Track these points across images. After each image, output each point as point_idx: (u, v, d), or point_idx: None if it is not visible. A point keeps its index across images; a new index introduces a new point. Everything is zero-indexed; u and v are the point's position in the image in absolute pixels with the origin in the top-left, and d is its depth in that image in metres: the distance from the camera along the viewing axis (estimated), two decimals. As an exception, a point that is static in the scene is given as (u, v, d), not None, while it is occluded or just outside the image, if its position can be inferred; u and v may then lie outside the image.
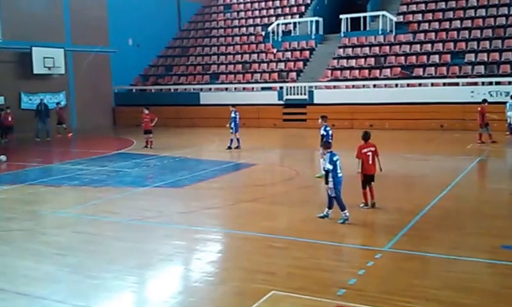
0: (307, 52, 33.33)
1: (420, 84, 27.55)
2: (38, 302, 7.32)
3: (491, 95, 25.23)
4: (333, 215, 10.80)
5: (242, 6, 41.24)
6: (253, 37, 36.98)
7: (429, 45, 29.82)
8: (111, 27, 34.77)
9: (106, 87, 35.14)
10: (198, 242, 9.89)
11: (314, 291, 7.16)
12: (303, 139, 24.90)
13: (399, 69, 29.07)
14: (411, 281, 7.52)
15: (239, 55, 35.63)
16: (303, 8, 37.67)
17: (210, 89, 33.55)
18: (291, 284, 7.51)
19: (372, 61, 30.42)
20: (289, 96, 30.22)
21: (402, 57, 29.78)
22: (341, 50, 32.11)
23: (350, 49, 31.89)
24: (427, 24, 31.55)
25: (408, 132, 25.37)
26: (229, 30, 39.09)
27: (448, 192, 12.95)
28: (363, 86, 29.00)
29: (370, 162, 11.43)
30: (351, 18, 33.34)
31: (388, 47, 30.94)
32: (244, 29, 38.44)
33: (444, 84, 27.18)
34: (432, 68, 28.47)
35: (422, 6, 33.07)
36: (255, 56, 34.96)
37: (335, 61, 31.48)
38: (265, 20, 37.94)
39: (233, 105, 21.88)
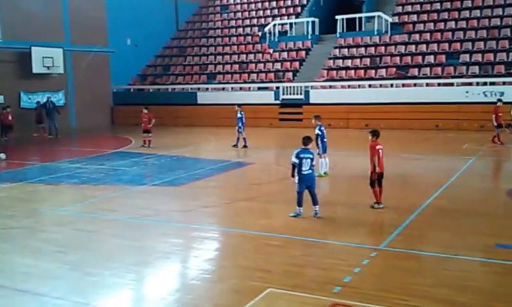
0: (303, 52, 33.53)
1: (415, 84, 27.75)
2: (38, 299, 7.37)
3: (485, 95, 25.56)
4: (326, 214, 10.92)
5: (239, 6, 41.42)
6: (249, 37, 37.16)
7: (424, 46, 30.04)
8: (109, 27, 34.86)
9: (105, 87, 35.27)
10: (195, 240, 9.97)
11: (310, 289, 7.24)
12: (299, 138, 24.71)
13: (394, 69, 29.28)
14: (406, 279, 7.60)
15: (236, 56, 35.79)
16: (299, 9, 37.88)
17: (207, 88, 33.71)
18: (287, 281, 7.57)
19: (367, 61, 30.61)
20: (285, 96, 30.39)
21: (398, 58, 29.98)
22: (337, 50, 32.31)
23: (346, 49, 32.10)
24: (422, 25, 31.80)
25: (403, 132, 25.48)
26: (226, 30, 39.25)
27: (443, 192, 13.04)
28: (359, 86, 29.18)
29: (381, 159, 11.49)
30: (347, 19, 33.55)
31: (383, 48, 31.16)
32: (241, 29, 38.62)
33: (439, 84, 27.37)
34: (427, 68, 28.68)
35: (417, 7, 33.32)
36: (251, 56, 35.11)
37: (331, 61, 31.68)
38: (262, 21, 38.12)
39: (238, 105, 22.06)
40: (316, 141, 14.45)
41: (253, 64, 34.32)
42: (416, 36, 30.99)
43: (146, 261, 8.78)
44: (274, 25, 35.72)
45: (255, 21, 38.82)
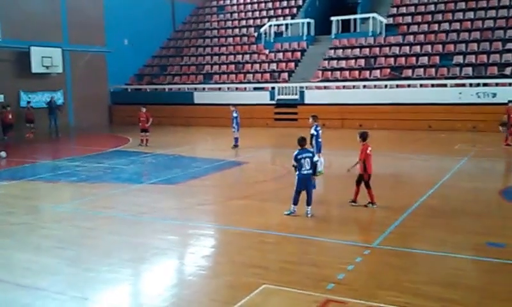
0: (298, 53, 33.74)
1: (408, 85, 27.94)
2: (38, 293, 7.47)
3: (478, 96, 25.79)
4: (320, 212, 11.06)
5: (235, 7, 41.62)
6: (245, 38, 37.36)
7: (418, 47, 30.28)
8: (107, 27, 35.05)
9: (102, 86, 35.46)
10: (191, 237, 10.10)
11: (304, 285, 7.31)
12: (293, 138, 24.71)
13: (389, 70, 29.50)
14: (398, 277, 7.68)
15: (232, 56, 35.99)
16: (294, 10, 38.09)
17: (203, 88, 33.91)
18: (282, 278, 7.66)
19: (362, 62, 30.86)
20: (281, 96, 30.62)
21: (392, 59, 30.22)
22: (332, 51, 32.54)
23: (340, 50, 32.34)
24: (416, 26, 32.05)
25: (397, 132, 25.69)
26: (222, 31, 39.44)
27: (435, 191, 13.15)
28: (353, 87, 29.36)
29: (371, 161, 11.62)
30: (342, 20, 33.74)
31: (377, 49, 31.39)
32: (237, 30, 38.83)
33: (432, 85, 27.57)
34: (421, 69, 28.91)
35: (412, 9, 33.56)
36: (247, 57, 35.33)
37: (326, 62, 31.91)
38: (258, 22, 38.34)
39: (234, 105, 22.20)
40: (311, 140, 14.59)
41: (249, 65, 34.52)
42: (411, 38, 31.24)
43: (143, 258, 8.90)
44: (270, 26, 35.93)
45: (251, 22, 39.04)
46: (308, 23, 34.76)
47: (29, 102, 29.66)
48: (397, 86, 28.22)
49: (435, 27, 31.49)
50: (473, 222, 10.63)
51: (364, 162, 11.46)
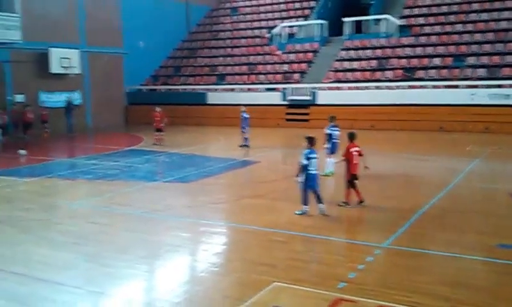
0: (311, 54, 33.92)
1: (421, 86, 27.93)
2: (56, 288, 7.63)
3: (491, 98, 25.68)
4: (332, 212, 11.12)
5: (248, 9, 41.94)
6: (258, 39, 37.62)
7: (431, 48, 30.30)
8: (124, 29, 35.60)
9: (119, 87, 35.99)
10: (203, 234, 10.25)
11: (314, 284, 7.37)
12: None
13: (401, 71, 29.53)
14: (409, 277, 7.68)
15: (245, 57, 36.30)
16: (307, 11, 38.27)
17: (216, 89, 34.23)
18: (292, 276, 7.69)
19: (374, 63, 30.96)
20: (293, 97, 30.81)
21: (404, 60, 30.26)
22: (344, 52, 32.67)
23: (353, 51, 32.46)
24: (429, 27, 32.05)
25: (409, 133, 25.68)
26: (236, 32, 39.77)
27: (447, 192, 13.14)
28: (366, 88, 29.43)
29: (356, 161, 11.69)
30: (355, 21, 33.86)
31: (390, 50, 31.47)
32: (250, 31, 39.12)
33: (445, 87, 27.53)
34: (434, 70, 28.89)
35: (425, 10, 33.58)
36: (260, 58, 35.62)
37: (338, 63, 32.05)
38: (271, 23, 38.57)
39: (244, 106, 22.46)
40: (327, 140, 14.78)
41: (261, 66, 34.77)
42: (424, 39, 31.25)
43: (158, 254, 9.09)
44: (283, 27, 36.14)
45: (264, 23, 39.31)
46: (321, 25, 34.91)
47: (43, 102, 30.19)
48: (410, 86, 28.22)
49: (448, 28, 31.46)
50: (485, 223, 10.64)
51: (348, 161, 11.62)
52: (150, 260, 8.80)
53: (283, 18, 38.59)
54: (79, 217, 11.68)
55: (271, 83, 32.92)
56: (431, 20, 32.70)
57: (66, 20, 31.76)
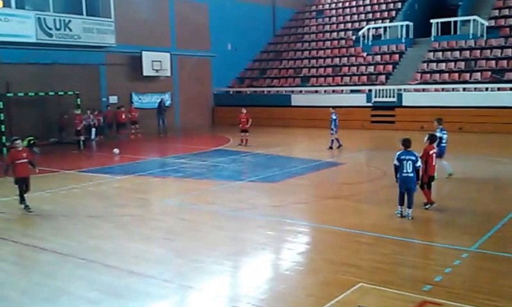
0: (397, 56, 33.45)
1: (511, 89, 26.86)
2: (149, 281, 7.92)
3: None
4: (418, 215, 11.00)
5: (334, 11, 41.84)
6: (343, 41, 37.50)
7: (522, 49, 29.03)
8: (212, 32, 36.65)
9: (207, 89, 36.90)
10: (288, 233, 10.40)
11: (400, 286, 7.30)
12: (390, 140, 24.51)
13: (490, 73, 28.56)
14: (496, 281, 7.52)
15: (330, 59, 36.27)
16: (393, 13, 37.74)
17: (301, 91, 34.50)
18: (377, 277, 7.66)
19: (462, 64, 30.09)
20: (378, 99, 30.51)
21: (493, 61, 29.21)
22: (431, 53, 31.96)
23: (440, 53, 31.67)
24: (520, 28, 30.71)
25: (498, 136, 24.83)
26: (320, 35, 39.79)
27: None
28: (453, 90, 28.68)
29: (434, 163, 11.60)
30: (442, 23, 33.02)
31: (478, 51, 30.45)
32: (335, 33, 39.03)
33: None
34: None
35: (516, 10, 32.18)
36: (345, 60, 35.47)
37: (425, 64, 31.40)
38: (356, 25, 38.40)
39: (333, 107, 22.52)
40: (438, 143, 14.29)
41: (346, 68, 34.63)
42: (514, 40, 30.02)
43: (244, 251, 9.35)
44: (368, 29, 35.87)
45: (349, 25, 39.13)
46: (407, 26, 34.34)
47: (132, 104, 31.39)
48: (499, 89, 27.24)
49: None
50: None
51: (425, 162, 11.43)
52: (236, 257, 9.02)
53: (368, 20, 38.30)
54: (169, 213, 12.13)
55: (355, 85, 32.76)
56: (522, 20, 31.28)
57: (158, 24, 33.03)
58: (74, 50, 28.11)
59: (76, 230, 10.89)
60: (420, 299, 6.86)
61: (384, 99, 30.27)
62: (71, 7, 27.81)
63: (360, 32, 36.08)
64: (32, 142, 22.00)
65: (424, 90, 29.68)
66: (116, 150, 22.18)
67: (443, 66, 30.65)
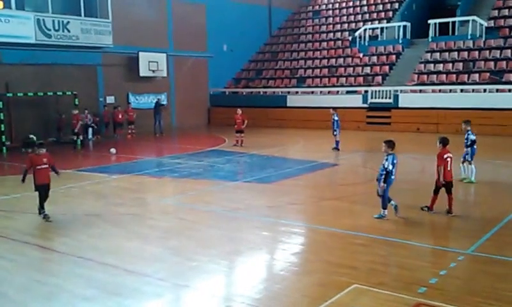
0: (393, 57, 33.44)
1: (509, 90, 26.82)
2: (144, 279, 7.99)
3: None
4: (413, 216, 11.07)
5: (330, 12, 41.88)
6: (340, 42, 37.51)
7: (521, 50, 28.99)
8: (208, 33, 36.71)
9: (203, 90, 37.04)
10: (283, 234, 10.41)
11: (395, 288, 7.30)
12: None
13: (488, 74, 28.54)
14: (493, 284, 7.49)
15: (326, 60, 36.27)
16: (390, 13, 37.76)
17: (296, 92, 34.51)
18: (372, 279, 7.67)
19: (460, 65, 30.05)
20: (374, 100, 30.49)
21: (492, 63, 29.18)
22: (428, 54, 31.93)
23: (438, 54, 31.65)
24: (519, 29, 30.68)
25: (496, 138, 24.71)
26: (317, 35, 39.81)
27: None
28: (450, 91, 28.64)
29: (450, 168, 11.27)
30: (440, 23, 33.05)
31: (477, 52, 30.40)
32: (332, 34, 39.04)
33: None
34: (523, 73, 27.67)
35: (515, 11, 32.19)
36: (341, 60, 35.46)
37: (422, 65, 31.37)
38: (353, 26, 38.40)
39: (334, 109, 22.47)
40: (470, 145, 14.44)
41: (343, 69, 34.64)
42: (513, 41, 30.05)
43: (240, 251, 9.37)
44: (365, 29, 35.89)
45: (345, 26, 39.15)
46: (404, 27, 34.37)
47: (129, 104, 31.48)
48: (497, 90, 27.22)
49: (540, 29, 30.01)
50: None
51: (440, 169, 11.16)
52: (232, 257, 9.06)
53: (365, 21, 38.33)
54: (166, 213, 12.19)
55: (351, 86, 32.75)
56: (522, 21, 31.28)
57: (154, 26, 33.09)
58: (72, 50, 28.21)
59: (74, 228, 10.93)
60: (414, 301, 6.87)
61: (381, 100, 30.25)
62: (69, 9, 27.92)
63: (357, 33, 36.09)
64: (28, 141, 21.96)
65: (420, 91, 29.66)
66: (113, 150, 22.27)
67: (440, 67, 30.63)
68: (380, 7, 39.23)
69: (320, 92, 33.37)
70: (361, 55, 34.87)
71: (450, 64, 30.53)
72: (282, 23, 43.49)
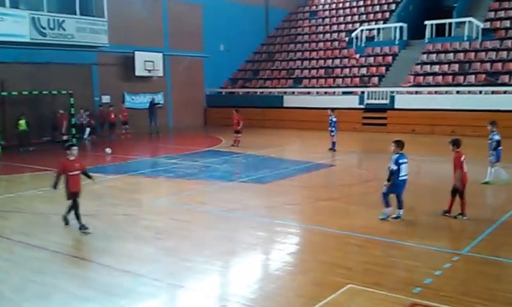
0: (390, 58, 33.48)
1: (505, 92, 26.89)
2: (139, 279, 8.00)
3: None
4: (409, 217, 11.03)
5: (327, 12, 41.91)
6: (336, 42, 37.55)
7: (517, 52, 29.03)
8: (205, 33, 36.67)
9: (199, 90, 36.98)
10: (278, 234, 10.42)
11: (390, 288, 7.32)
12: (382, 143, 24.55)
13: (484, 76, 28.58)
14: (488, 285, 7.51)
15: (322, 61, 36.28)
16: (387, 14, 37.82)
17: (293, 92, 34.51)
18: (367, 279, 7.68)
19: (456, 67, 30.10)
20: (370, 101, 30.51)
21: (488, 64, 29.24)
22: (425, 55, 31.99)
23: (434, 55, 31.72)
24: (515, 31, 30.71)
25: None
26: (313, 36, 39.84)
27: None
28: (446, 92, 28.67)
29: (466, 170, 11.08)
30: (436, 25, 33.10)
31: (473, 54, 30.47)
32: (329, 34, 39.06)
33: (530, 92, 26.26)
34: (519, 75, 27.70)
35: (511, 13, 32.20)
36: (337, 61, 35.48)
37: (418, 66, 31.40)
38: (350, 26, 38.43)
39: (332, 109, 22.46)
40: (495, 147, 14.36)
41: (339, 69, 34.65)
42: (509, 43, 30.02)
43: (235, 251, 9.39)
44: (362, 30, 35.91)
45: (342, 27, 39.19)
46: (401, 28, 34.41)
47: (122, 104, 31.35)
48: (493, 92, 27.25)
49: (536, 31, 30.03)
50: None
51: (458, 173, 10.95)
52: (227, 257, 9.07)
53: (362, 22, 38.37)
54: (161, 213, 12.20)
55: (348, 87, 32.74)
56: (518, 22, 31.33)
57: (150, 25, 33.03)
58: (68, 49, 28.08)
59: (69, 228, 10.87)
60: (409, 301, 6.88)
61: (377, 101, 30.27)
62: (65, 7, 27.77)
63: (353, 34, 36.12)
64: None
65: (416, 93, 29.69)
66: (108, 150, 22.20)
67: (436, 68, 30.66)
68: (377, 8, 39.30)
69: (317, 92, 33.41)
70: (357, 56, 34.90)
71: (446, 66, 30.57)
72: (279, 23, 43.50)
